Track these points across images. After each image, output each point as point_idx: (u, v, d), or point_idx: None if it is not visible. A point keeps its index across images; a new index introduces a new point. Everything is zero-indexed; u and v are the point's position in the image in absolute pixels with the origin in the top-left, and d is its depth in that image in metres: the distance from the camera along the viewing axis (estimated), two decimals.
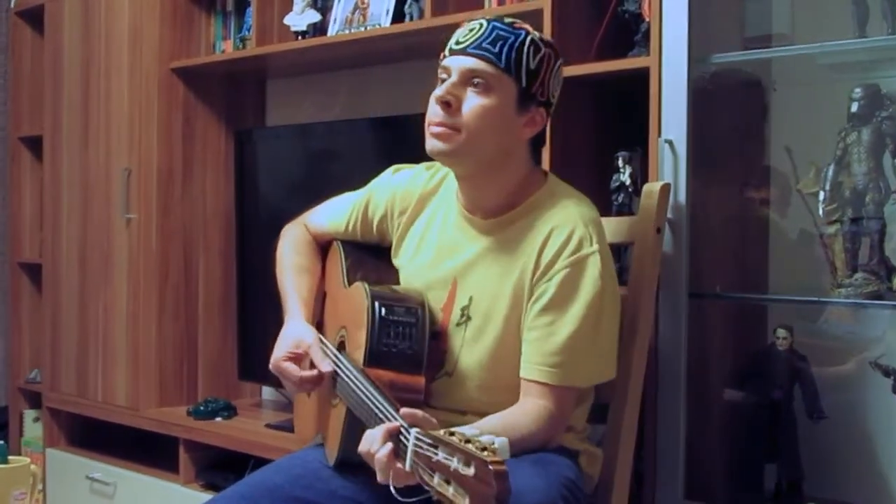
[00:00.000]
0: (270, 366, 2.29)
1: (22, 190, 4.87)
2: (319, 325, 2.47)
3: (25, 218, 4.87)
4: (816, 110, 2.69)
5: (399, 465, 1.77)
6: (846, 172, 2.50)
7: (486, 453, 1.54)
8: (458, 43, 2.19)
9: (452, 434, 1.61)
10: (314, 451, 2.35)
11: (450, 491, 1.58)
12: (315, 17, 3.63)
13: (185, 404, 4.00)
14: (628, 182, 2.70)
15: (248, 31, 3.87)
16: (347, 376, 2.14)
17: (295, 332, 2.31)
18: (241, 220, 4.06)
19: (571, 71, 2.73)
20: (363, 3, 3.47)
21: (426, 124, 2.19)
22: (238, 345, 4.09)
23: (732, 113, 2.82)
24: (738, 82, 2.79)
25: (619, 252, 2.73)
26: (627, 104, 2.78)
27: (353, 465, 2.18)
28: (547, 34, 2.72)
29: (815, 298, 2.59)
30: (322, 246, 2.58)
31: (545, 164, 2.73)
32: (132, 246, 4.01)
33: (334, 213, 2.55)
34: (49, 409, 4.45)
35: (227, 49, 4.01)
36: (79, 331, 4.27)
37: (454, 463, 1.57)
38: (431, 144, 2.18)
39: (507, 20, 2.20)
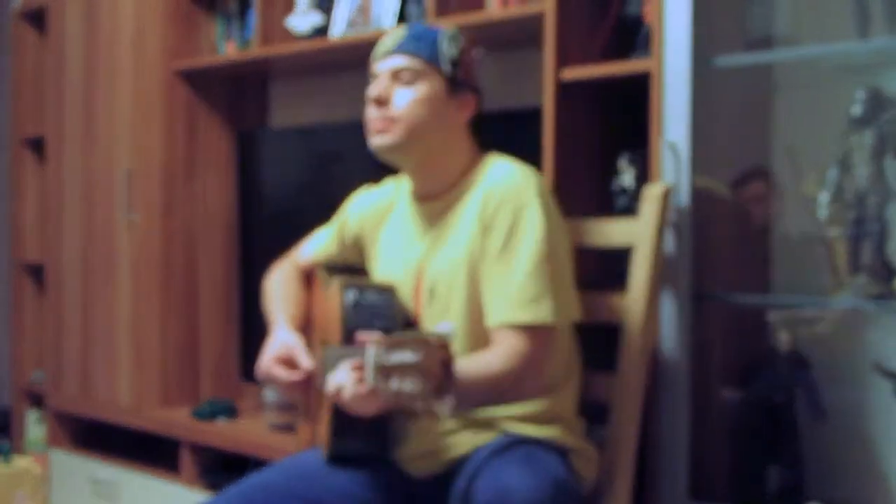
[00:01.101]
0: (260, 371, 2.36)
1: (25, 191, 4.88)
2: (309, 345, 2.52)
3: (28, 219, 4.88)
4: (819, 113, 2.69)
5: (362, 387, 1.91)
6: (848, 175, 2.50)
7: (429, 335, 1.72)
8: (382, 49, 2.36)
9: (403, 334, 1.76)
10: (313, 451, 2.42)
11: (407, 386, 1.71)
12: (318, 18, 3.64)
13: (187, 405, 4.01)
14: (631, 184, 2.71)
15: (251, 32, 3.87)
16: (328, 360, 2.18)
17: (279, 338, 2.38)
18: (243, 222, 4.07)
19: (573, 73, 2.74)
20: (366, 4, 3.47)
21: (366, 127, 2.34)
22: (240, 346, 4.10)
23: (734, 115, 2.83)
24: (740, 84, 2.79)
25: (621, 254, 2.73)
26: (630, 106, 2.78)
27: (348, 460, 2.26)
28: (549, 37, 2.74)
29: (817, 300, 2.59)
30: (307, 279, 2.68)
31: (546, 165, 2.74)
32: (135, 247, 4.02)
33: (316, 243, 2.68)
34: (52, 411, 4.45)
35: (229, 50, 4.01)
36: (81, 332, 4.28)
37: (406, 357, 1.71)
38: (374, 142, 2.33)
39: (424, 23, 2.41)
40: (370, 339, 1.87)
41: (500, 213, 2.22)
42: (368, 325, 2.20)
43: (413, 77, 2.30)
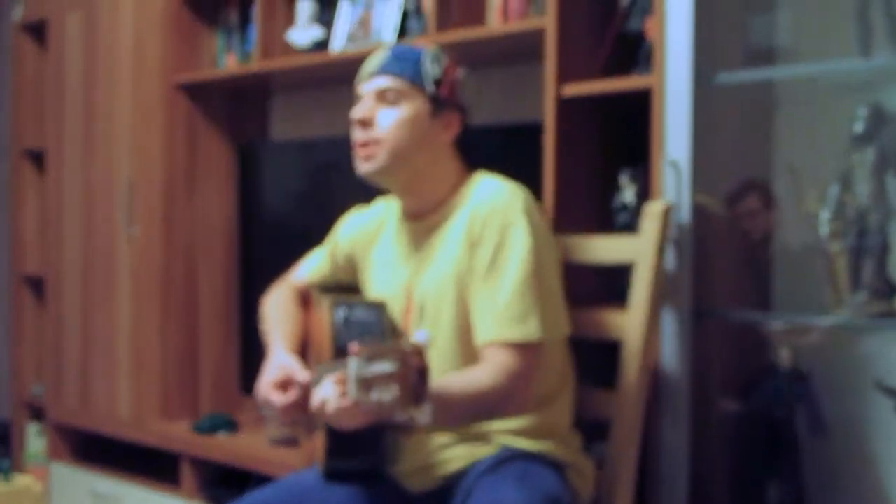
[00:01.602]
0: (257, 395, 2.36)
1: (25, 203, 4.88)
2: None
3: (28, 231, 4.87)
4: (820, 129, 2.68)
5: (345, 401, 1.90)
6: (850, 192, 2.49)
7: (407, 344, 1.73)
8: (366, 72, 2.38)
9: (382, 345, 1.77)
10: (312, 470, 2.43)
11: (386, 396, 1.72)
12: (318, 32, 3.64)
13: (187, 418, 4.00)
14: (632, 200, 2.71)
15: (252, 45, 3.87)
16: (320, 377, 2.19)
17: (275, 360, 2.38)
18: (243, 235, 4.07)
19: (574, 90, 2.74)
20: (366, 18, 3.48)
21: (353, 150, 2.35)
22: (240, 359, 4.09)
23: (736, 131, 2.82)
24: (742, 101, 2.79)
25: (621, 271, 2.73)
26: (631, 122, 2.78)
27: (345, 477, 2.30)
28: (551, 52, 2.74)
29: (818, 317, 2.59)
30: (304, 299, 2.68)
31: (547, 181, 2.74)
32: (135, 259, 4.02)
33: (310, 266, 2.69)
34: (52, 423, 4.45)
35: (230, 64, 4.02)
36: (82, 344, 4.28)
37: (385, 367, 1.73)
38: (360, 168, 2.35)
39: (406, 44, 2.43)
40: (352, 351, 1.89)
41: (486, 231, 2.23)
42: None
43: (396, 97, 2.31)
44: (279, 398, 2.30)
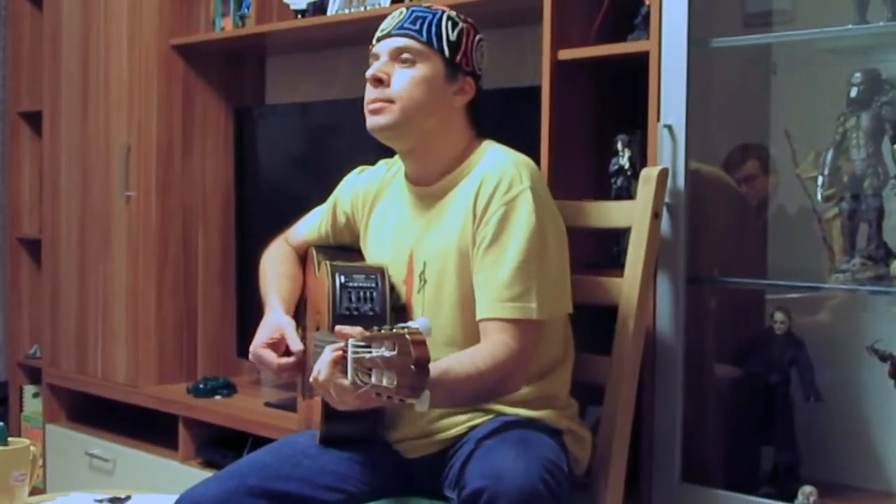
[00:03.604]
0: (250, 354, 2.41)
1: (21, 165, 4.87)
2: (304, 329, 2.54)
3: (24, 193, 4.88)
4: (816, 94, 2.68)
5: (342, 380, 1.90)
6: (845, 157, 2.49)
7: (405, 330, 1.71)
8: (382, 30, 2.35)
9: (380, 329, 1.77)
10: (307, 433, 2.45)
11: (383, 381, 1.72)
12: None
13: (184, 381, 4.01)
14: (627, 165, 2.70)
15: (248, 8, 3.86)
16: (317, 347, 2.21)
17: (272, 321, 2.42)
18: (240, 198, 4.07)
19: (570, 54, 2.74)
20: None
21: (364, 107, 2.33)
22: (237, 322, 4.10)
23: (732, 96, 2.82)
24: (738, 65, 2.79)
25: (617, 236, 2.74)
26: (627, 87, 2.77)
27: (339, 441, 2.31)
28: (547, 17, 2.74)
29: (813, 283, 2.59)
30: (303, 257, 2.68)
31: (543, 146, 2.74)
32: (131, 222, 4.02)
33: (309, 222, 2.68)
34: (49, 385, 4.46)
35: (226, 26, 4.00)
36: (78, 307, 4.28)
37: (382, 351, 1.72)
38: (371, 122, 2.32)
39: (426, 4, 2.37)
40: (351, 333, 1.89)
41: (491, 205, 2.21)
42: (357, 310, 2.23)
43: (412, 58, 2.29)
44: (272, 357, 2.33)
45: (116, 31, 4.06)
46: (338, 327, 2.01)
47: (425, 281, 2.31)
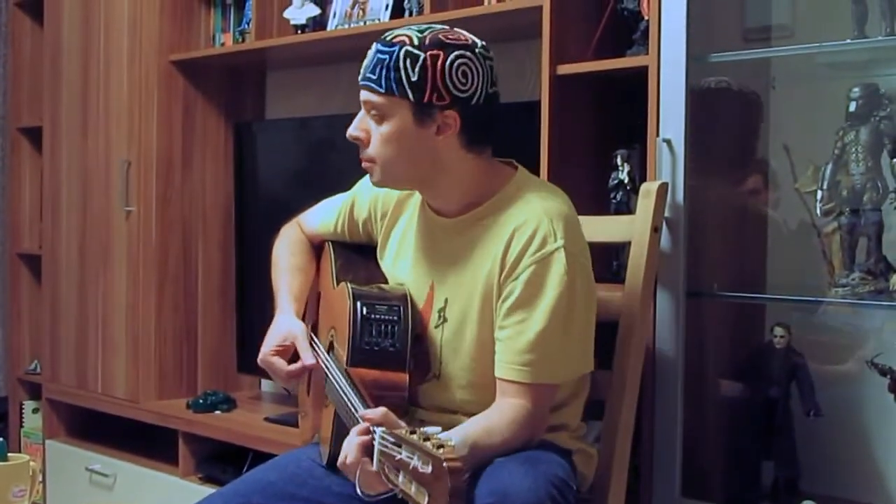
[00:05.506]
0: (259, 359, 2.35)
1: (21, 181, 4.88)
2: (314, 326, 2.51)
3: (25, 209, 4.88)
4: (815, 109, 2.69)
5: (369, 466, 1.85)
6: (844, 171, 2.49)
7: (441, 451, 1.63)
8: (360, 75, 2.21)
9: (413, 433, 1.70)
10: (310, 449, 2.40)
11: (412, 490, 1.66)
12: (314, 10, 3.64)
13: (184, 396, 4.01)
14: (626, 180, 2.71)
15: (248, 24, 3.87)
16: (333, 377, 2.19)
17: (283, 326, 2.36)
18: (240, 213, 4.07)
19: (570, 69, 2.74)
20: None
21: None
22: (237, 337, 4.10)
23: (731, 111, 2.82)
24: (737, 80, 2.79)
25: (616, 250, 2.74)
26: (626, 102, 2.77)
27: None
28: (546, 32, 2.74)
29: (813, 298, 2.59)
30: (316, 246, 2.61)
31: (542, 161, 2.74)
32: (131, 237, 4.02)
33: (325, 214, 2.58)
34: (49, 401, 4.46)
35: (226, 42, 4.01)
36: (78, 322, 4.28)
37: (415, 461, 1.66)
38: (368, 177, 2.27)
39: (390, 36, 2.17)
40: (375, 419, 1.87)
41: (522, 261, 2.13)
42: (377, 345, 2.16)
43: (379, 113, 2.16)
44: (282, 366, 2.30)
45: (116, 47, 4.06)
46: (361, 412, 1.94)
47: (445, 319, 2.25)
